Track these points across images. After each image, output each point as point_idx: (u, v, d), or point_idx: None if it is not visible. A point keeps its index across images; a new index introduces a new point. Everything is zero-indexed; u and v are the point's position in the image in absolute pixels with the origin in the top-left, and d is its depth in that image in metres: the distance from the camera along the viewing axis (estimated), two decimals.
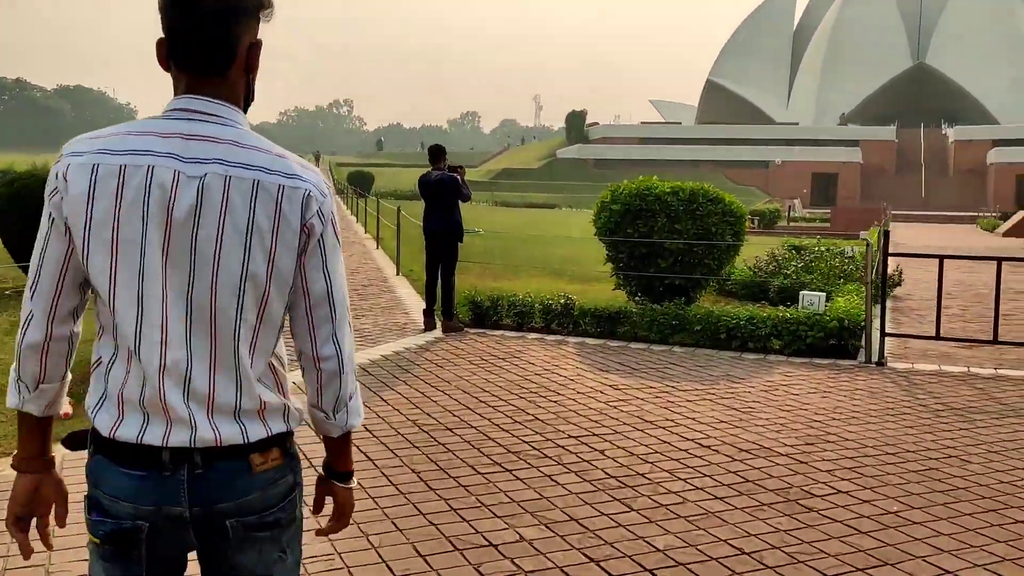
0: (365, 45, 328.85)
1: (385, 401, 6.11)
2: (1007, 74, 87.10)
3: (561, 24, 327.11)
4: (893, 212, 39.26)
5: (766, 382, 6.85)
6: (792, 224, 40.42)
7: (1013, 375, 7.20)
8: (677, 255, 9.37)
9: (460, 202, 9.33)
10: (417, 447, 5.03)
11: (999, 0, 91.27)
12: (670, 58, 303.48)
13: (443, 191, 9.16)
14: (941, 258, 7.61)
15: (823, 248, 13.84)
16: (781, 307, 8.95)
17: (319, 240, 1.56)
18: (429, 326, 9.23)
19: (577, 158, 72.87)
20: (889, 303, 11.00)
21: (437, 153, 9.41)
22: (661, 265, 9.45)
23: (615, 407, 5.98)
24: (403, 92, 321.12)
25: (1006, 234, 34.27)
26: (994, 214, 44.71)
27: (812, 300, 8.40)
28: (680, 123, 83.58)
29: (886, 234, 7.65)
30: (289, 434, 1.63)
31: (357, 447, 4.98)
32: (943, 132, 75.09)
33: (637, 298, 10.01)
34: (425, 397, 6.23)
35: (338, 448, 1.73)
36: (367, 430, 5.36)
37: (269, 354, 1.59)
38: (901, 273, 12.27)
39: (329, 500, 1.77)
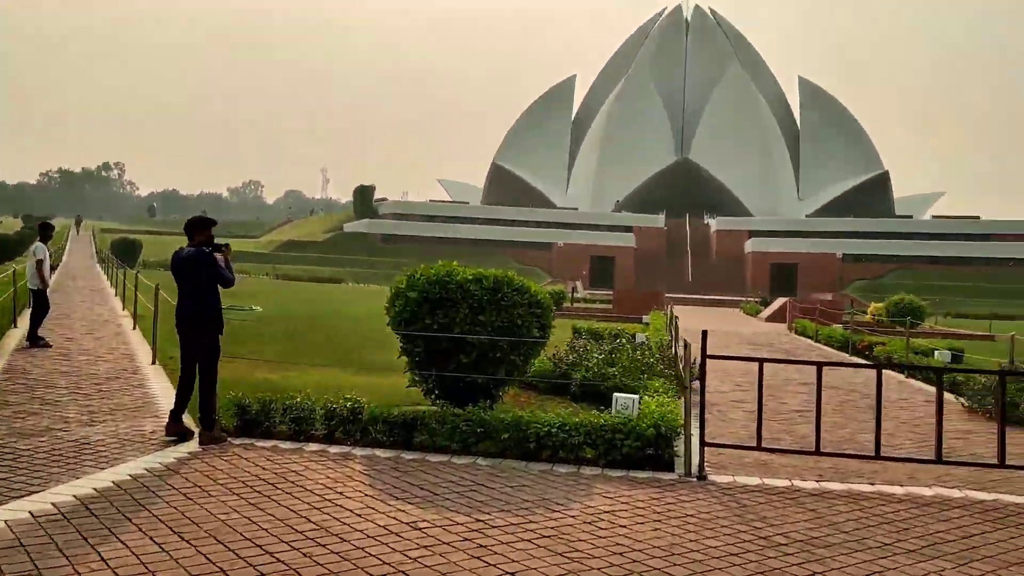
0: (142, 105, 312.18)
1: (105, 562, 4.51)
2: (758, 171, 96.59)
3: (350, 95, 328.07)
4: (667, 295, 41.25)
5: (587, 509, 5.90)
6: (576, 305, 41.27)
7: (837, 489, 6.74)
8: (481, 350, 8.39)
9: (220, 286, 7.91)
10: None
11: (750, 103, 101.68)
12: (458, 138, 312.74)
13: (196, 269, 7.71)
14: (761, 361, 7.13)
15: (623, 339, 13.46)
16: (594, 411, 8.19)
17: None
18: (181, 436, 7.57)
19: (366, 232, 71.63)
20: (694, 398, 10.64)
21: (192, 226, 7.94)
22: (463, 361, 8.42)
23: (415, 559, 4.75)
24: (181, 157, 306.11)
25: (768, 319, 36.79)
26: (755, 299, 48.20)
27: (626, 403, 7.66)
28: (468, 203, 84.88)
29: (704, 334, 7.07)
30: None
31: None
32: (705, 222, 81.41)
33: (435, 395, 8.91)
34: (161, 553, 4.69)
35: None
36: None
37: None
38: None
39: None
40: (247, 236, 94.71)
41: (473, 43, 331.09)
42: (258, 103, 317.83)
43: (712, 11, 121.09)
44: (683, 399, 7.17)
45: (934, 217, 75.04)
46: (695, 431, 7.21)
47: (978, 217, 70.40)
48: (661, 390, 9.39)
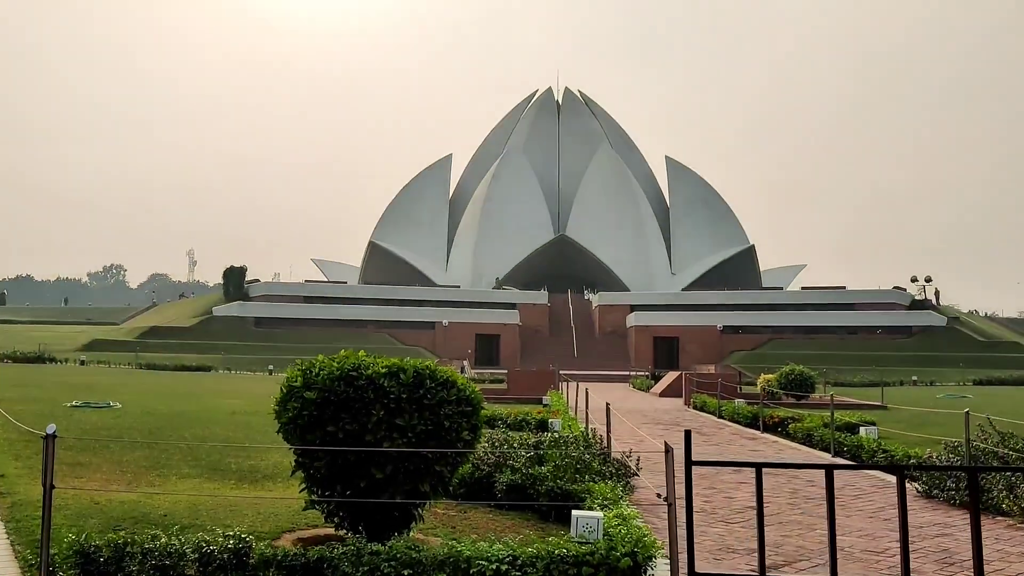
0: None
1: None
2: (632, 247, 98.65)
3: (217, 173, 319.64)
4: (557, 371, 40.28)
5: None
6: None
7: None
8: (399, 461, 6.76)
9: None
10: None
11: (622, 182, 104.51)
12: (330, 217, 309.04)
13: None
14: (758, 467, 5.82)
15: (552, 433, 12.00)
16: (550, 536, 6.67)
17: None
18: None
19: (238, 316, 67.93)
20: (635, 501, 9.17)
21: None
22: (377, 476, 6.75)
23: None
24: (36, 241, 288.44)
25: (663, 394, 36.15)
26: (644, 374, 47.86)
27: (590, 525, 6.18)
28: (346, 282, 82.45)
29: (687, 436, 5.72)
30: None
31: None
32: (586, 298, 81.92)
33: (338, 519, 7.18)
34: None
35: None
36: None
37: None
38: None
39: None
40: (108, 323, 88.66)
41: (344, 119, 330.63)
42: (120, 183, 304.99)
43: (581, 93, 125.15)
44: (668, 518, 5.74)
45: (803, 288, 77.95)
46: (673, 556, 5.79)
47: (844, 287, 73.60)
48: (610, 496, 7.97)
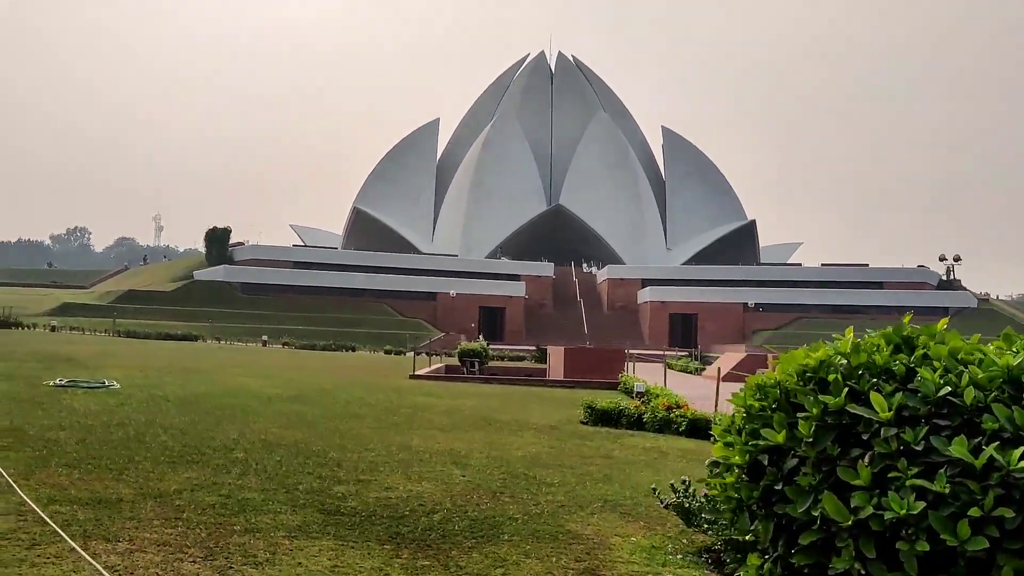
0: None
1: None
2: (628, 219, 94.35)
3: (186, 137, 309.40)
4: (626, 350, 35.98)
5: None
6: (496, 364, 35.18)
7: None
8: None
9: None
10: None
11: (618, 150, 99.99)
12: (308, 185, 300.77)
13: None
14: None
15: None
16: None
17: None
18: None
19: (223, 281, 62.58)
20: None
21: None
22: None
23: None
24: None
25: (726, 379, 31.87)
26: (684, 353, 43.69)
27: None
28: (337, 248, 77.31)
29: None
30: None
31: None
32: (588, 270, 77.52)
33: None
34: None
35: None
36: None
37: None
38: None
39: None
40: (75, 286, 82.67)
41: (325, 82, 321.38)
42: (85, 145, 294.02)
43: (575, 58, 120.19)
44: None
45: (823, 265, 74.20)
46: None
47: (867, 264, 69.95)
48: None
